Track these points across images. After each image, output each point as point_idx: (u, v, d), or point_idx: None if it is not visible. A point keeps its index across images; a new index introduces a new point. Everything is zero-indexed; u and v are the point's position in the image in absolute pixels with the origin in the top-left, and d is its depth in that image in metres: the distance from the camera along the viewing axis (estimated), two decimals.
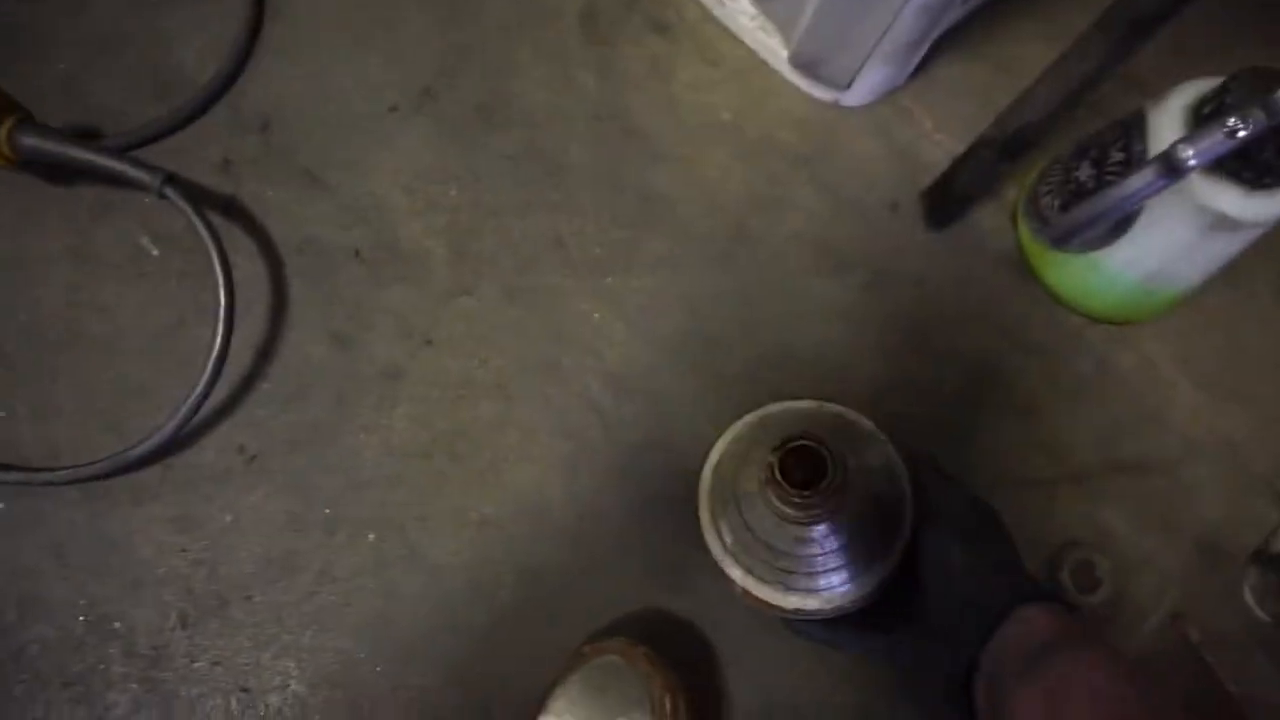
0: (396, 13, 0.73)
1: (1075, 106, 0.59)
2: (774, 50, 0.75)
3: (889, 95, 0.76)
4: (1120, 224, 0.62)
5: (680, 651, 0.58)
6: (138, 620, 0.56)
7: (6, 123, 0.58)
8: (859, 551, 0.48)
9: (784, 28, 0.74)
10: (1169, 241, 0.61)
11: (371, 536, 0.60)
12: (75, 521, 0.57)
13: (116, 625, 0.56)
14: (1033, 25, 0.76)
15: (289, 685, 0.57)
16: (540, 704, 0.55)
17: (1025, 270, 0.71)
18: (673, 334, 0.67)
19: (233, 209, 0.65)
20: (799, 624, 0.52)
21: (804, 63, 0.73)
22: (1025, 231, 0.71)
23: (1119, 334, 0.70)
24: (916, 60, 0.73)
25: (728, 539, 0.50)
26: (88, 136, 0.64)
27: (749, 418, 0.54)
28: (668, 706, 0.46)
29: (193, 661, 0.56)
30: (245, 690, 0.56)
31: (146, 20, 0.69)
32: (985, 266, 0.71)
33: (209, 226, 0.57)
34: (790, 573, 0.49)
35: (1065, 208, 0.64)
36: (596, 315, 0.66)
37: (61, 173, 0.64)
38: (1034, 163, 0.71)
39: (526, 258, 0.67)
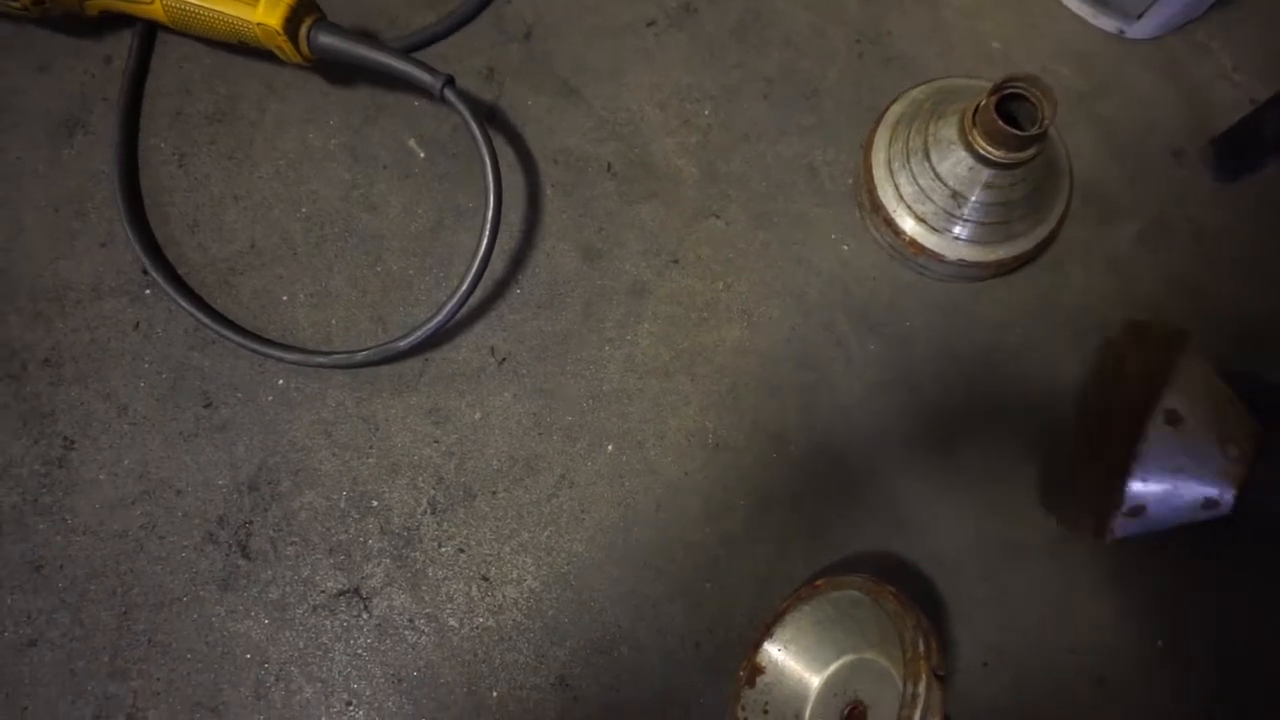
0: None
1: None
2: None
3: (1184, 27, 0.69)
4: None
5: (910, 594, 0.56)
6: (393, 501, 0.60)
7: (306, 21, 0.61)
8: (1030, 207, 0.58)
9: None
10: None
11: (610, 447, 0.61)
12: (344, 403, 0.61)
13: (374, 504, 0.60)
14: None
15: (525, 580, 0.59)
16: (766, 629, 0.55)
17: None
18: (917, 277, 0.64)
19: (494, 116, 0.66)
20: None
21: None
22: None
23: None
24: None
25: (906, 190, 0.58)
26: (363, 36, 0.67)
27: (921, 88, 0.63)
28: (921, 648, 0.45)
29: (440, 545, 0.60)
30: (485, 579, 0.59)
31: None
32: None
33: (484, 131, 0.59)
34: (964, 221, 0.58)
35: None
36: (845, 247, 0.64)
37: (343, 73, 0.67)
38: None
39: (777, 183, 0.65)
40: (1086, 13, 0.69)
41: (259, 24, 0.60)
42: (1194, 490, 0.51)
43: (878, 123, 0.63)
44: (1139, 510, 0.50)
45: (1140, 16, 0.67)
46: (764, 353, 0.62)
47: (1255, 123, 0.62)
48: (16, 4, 0.62)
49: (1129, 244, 0.65)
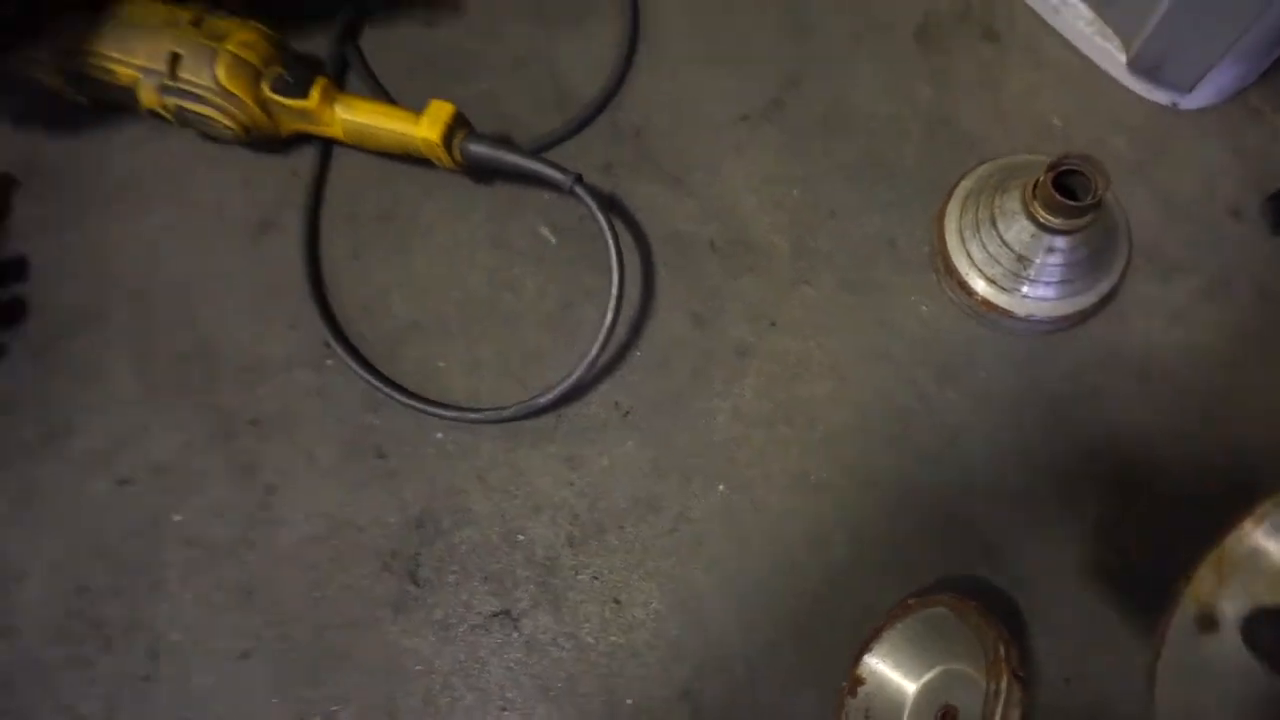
0: (747, 32, 0.83)
1: None
2: (1110, 54, 0.77)
3: (1237, 95, 0.75)
4: None
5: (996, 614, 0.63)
6: (536, 536, 0.70)
7: (459, 134, 0.73)
8: (1090, 267, 0.66)
9: (1123, 31, 0.76)
10: None
11: (721, 488, 0.70)
12: (493, 453, 0.72)
13: (520, 538, 0.70)
14: None
15: (651, 603, 0.68)
16: (865, 644, 0.63)
17: None
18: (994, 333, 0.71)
19: (613, 205, 0.77)
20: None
21: (1146, 66, 0.75)
22: None
23: None
24: (1275, 56, 0.72)
25: (977, 256, 0.67)
26: (504, 143, 0.79)
27: (987, 166, 0.72)
28: (1003, 654, 0.51)
29: (577, 573, 0.69)
30: (616, 602, 0.69)
31: (547, 47, 0.83)
32: None
33: (609, 220, 0.70)
34: (1031, 281, 0.67)
35: None
36: (924, 309, 0.73)
37: (486, 174, 0.79)
38: None
39: (861, 254, 0.74)
40: (1141, 88, 0.76)
41: (422, 138, 0.73)
42: None
43: (949, 197, 0.72)
44: None
45: (1192, 89, 0.74)
46: (855, 403, 0.71)
47: None
48: (231, 133, 0.77)
49: (1191, 298, 0.71)
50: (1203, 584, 0.45)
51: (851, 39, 0.81)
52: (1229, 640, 0.46)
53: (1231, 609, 0.45)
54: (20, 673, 0.69)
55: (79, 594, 0.71)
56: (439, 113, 0.72)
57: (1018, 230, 0.66)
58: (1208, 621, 0.45)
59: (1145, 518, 0.66)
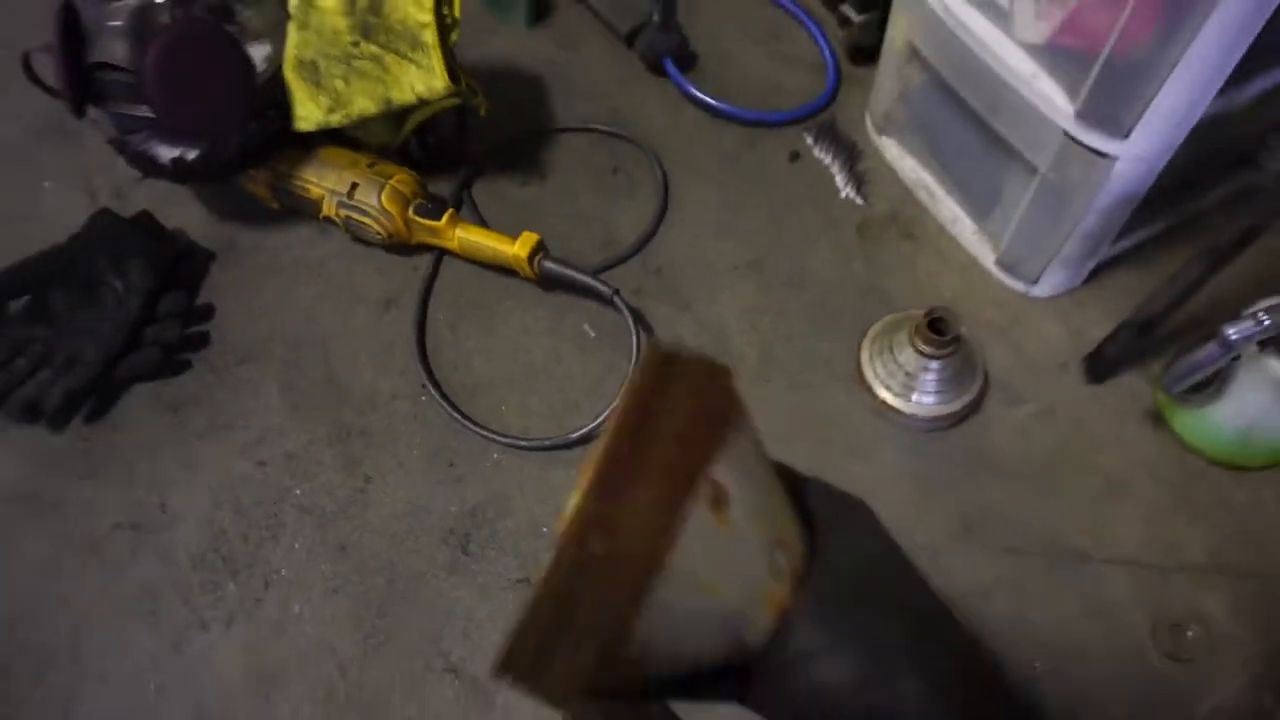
0: (741, 215, 1.19)
1: (1180, 305, 0.91)
2: (986, 254, 1.12)
3: (1068, 290, 1.10)
4: (1219, 385, 0.91)
5: None
6: (556, 531, 0.98)
7: (539, 255, 1.08)
8: (956, 384, 0.97)
9: (994, 240, 1.11)
10: (1254, 401, 0.90)
11: None
12: (533, 471, 1.01)
13: (544, 530, 0.98)
14: (1185, 249, 1.08)
15: None
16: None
17: (1160, 419, 1.00)
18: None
19: (640, 316, 1.10)
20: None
21: (1007, 264, 1.10)
22: (1160, 388, 1.00)
23: (1234, 477, 0.96)
24: (1088, 269, 1.07)
25: (881, 372, 0.98)
26: (568, 265, 1.14)
27: (893, 315, 1.04)
28: None
29: None
30: None
31: (604, 209, 1.20)
32: (1134, 417, 1.01)
33: (636, 325, 1.03)
34: (916, 390, 0.97)
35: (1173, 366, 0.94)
36: (844, 405, 1.04)
37: (551, 283, 1.13)
38: (1169, 341, 1.01)
39: (805, 366, 1.06)
40: (1005, 278, 1.11)
41: (513, 255, 1.07)
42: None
43: (865, 334, 1.05)
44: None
45: (1036, 282, 1.08)
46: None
47: (1104, 348, 1.01)
48: (379, 238, 1.12)
49: (1029, 419, 1.02)
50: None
51: (813, 227, 1.17)
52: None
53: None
54: (170, 588, 0.95)
55: (218, 537, 0.98)
56: (528, 239, 1.07)
57: (906, 356, 0.98)
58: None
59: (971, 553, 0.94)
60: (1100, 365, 1.02)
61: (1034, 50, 0.92)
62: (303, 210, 1.16)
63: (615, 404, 0.81)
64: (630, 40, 1.32)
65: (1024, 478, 0.98)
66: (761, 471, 0.33)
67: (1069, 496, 0.97)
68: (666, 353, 0.33)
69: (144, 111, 1.00)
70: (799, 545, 0.33)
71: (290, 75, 1.06)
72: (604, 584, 0.29)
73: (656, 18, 1.25)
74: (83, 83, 0.99)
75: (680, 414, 0.31)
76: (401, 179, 1.12)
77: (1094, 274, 1.09)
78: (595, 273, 1.11)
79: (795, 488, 0.34)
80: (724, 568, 0.31)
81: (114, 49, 0.97)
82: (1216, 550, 0.92)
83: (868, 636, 0.30)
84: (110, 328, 1.06)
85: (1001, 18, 0.94)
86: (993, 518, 0.96)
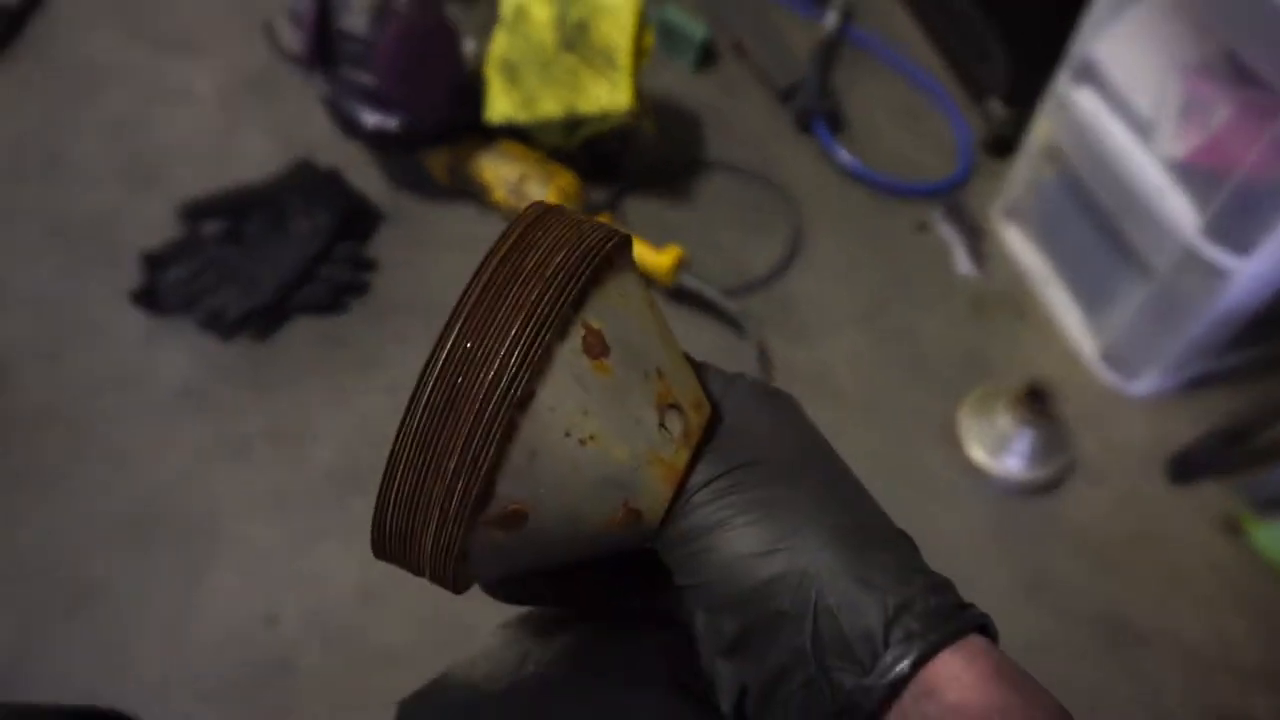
0: (866, 269, 1.28)
1: (1272, 425, 0.97)
2: (1090, 345, 1.20)
3: (1163, 394, 1.16)
4: None
5: None
6: None
7: (680, 268, 1.18)
8: (1046, 454, 1.05)
9: (1100, 333, 1.19)
10: None
11: None
12: None
13: None
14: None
15: None
16: None
17: (1235, 526, 1.05)
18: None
19: (765, 340, 1.20)
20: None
21: (1109, 357, 1.17)
22: (1243, 498, 1.05)
23: None
24: (1186, 377, 1.14)
25: (975, 432, 1.06)
26: (705, 282, 1.24)
27: (982, 388, 1.11)
28: None
29: None
30: None
31: (740, 241, 1.30)
32: (1207, 520, 1.06)
33: (760, 348, 1.12)
34: (1004, 453, 1.04)
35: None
36: (940, 469, 1.11)
37: (679, 297, 1.23)
38: (1256, 457, 1.07)
39: (903, 414, 1.14)
40: (1103, 371, 1.18)
41: (656, 263, 1.18)
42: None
43: (965, 395, 1.12)
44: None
45: (1134, 379, 1.15)
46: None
47: (1191, 451, 1.07)
48: None
49: (1107, 502, 1.08)
50: None
51: (929, 294, 1.26)
52: None
53: None
54: (303, 494, 1.06)
55: (350, 459, 1.09)
56: (673, 251, 1.18)
57: (1004, 420, 1.05)
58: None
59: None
60: (1184, 467, 1.08)
61: (1170, 164, 1.00)
62: (472, 191, 1.29)
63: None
64: (786, 97, 1.43)
65: (1093, 554, 1.04)
66: (653, 330, 0.31)
67: (1134, 579, 1.02)
68: (551, 205, 0.32)
69: (365, 79, 1.14)
70: (698, 416, 0.31)
71: (491, 72, 1.20)
72: (464, 421, 0.28)
73: (812, 80, 1.37)
74: (322, 46, 1.14)
75: (555, 255, 0.29)
76: (567, 179, 1.25)
77: (1191, 384, 1.15)
78: (730, 294, 1.21)
79: (721, 387, 0.34)
80: (604, 419, 0.29)
81: (357, 22, 1.11)
82: (1273, 658, 0.97)
83: (772, 504, 0.29)
84: (291, 259, 1.19)
85: (1142, 130, 1.02)
86: (1057, 584, 1.02)
